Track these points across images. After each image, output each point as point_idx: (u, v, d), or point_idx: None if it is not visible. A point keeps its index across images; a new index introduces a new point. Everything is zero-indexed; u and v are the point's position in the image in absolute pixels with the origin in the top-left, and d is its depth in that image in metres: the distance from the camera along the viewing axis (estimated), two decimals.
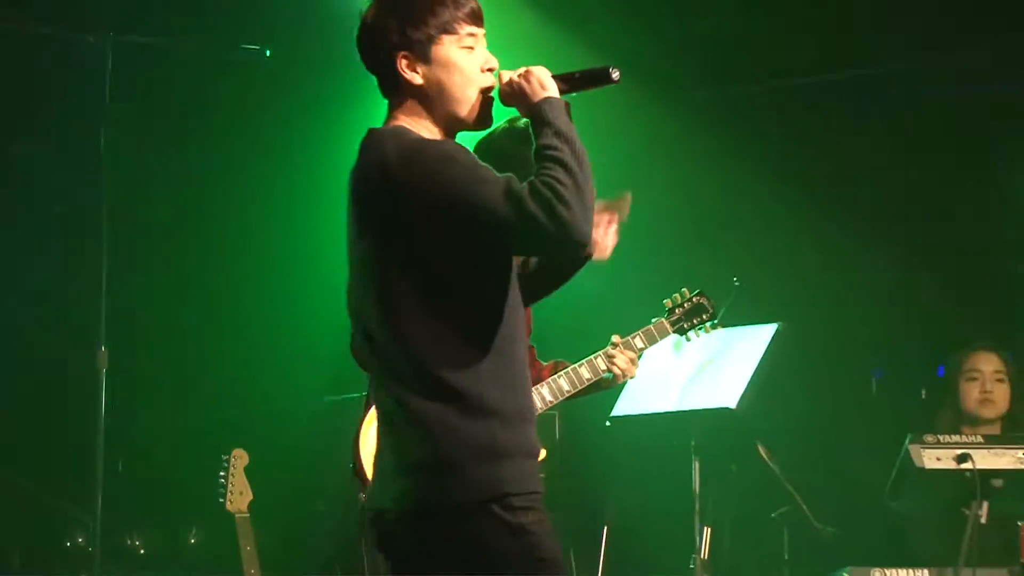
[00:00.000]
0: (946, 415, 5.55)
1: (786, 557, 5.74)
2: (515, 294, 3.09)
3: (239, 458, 5.23)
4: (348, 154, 3.26)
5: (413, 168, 2.89)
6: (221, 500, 5.18)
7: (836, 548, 5.50)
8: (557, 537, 3.11)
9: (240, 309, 6.45)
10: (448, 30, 2.99)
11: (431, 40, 2.98)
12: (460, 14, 3.01)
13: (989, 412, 5.48)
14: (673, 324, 4.52)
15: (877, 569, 5.03)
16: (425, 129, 3.03)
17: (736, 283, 4.99)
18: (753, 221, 6.65)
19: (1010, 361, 5.63)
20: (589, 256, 3.23)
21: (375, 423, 3.38)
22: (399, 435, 3.04)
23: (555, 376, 4.32)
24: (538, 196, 2.84)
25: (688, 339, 4.62)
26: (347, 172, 3.17)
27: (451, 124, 3.05)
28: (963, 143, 6.46)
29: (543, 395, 4.30)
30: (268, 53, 5.73)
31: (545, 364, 4.39)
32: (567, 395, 4.38)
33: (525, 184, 2.87)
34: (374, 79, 3.19)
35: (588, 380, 4.33)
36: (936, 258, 6.47)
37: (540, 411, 4.17)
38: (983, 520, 4.85)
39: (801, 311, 6.01)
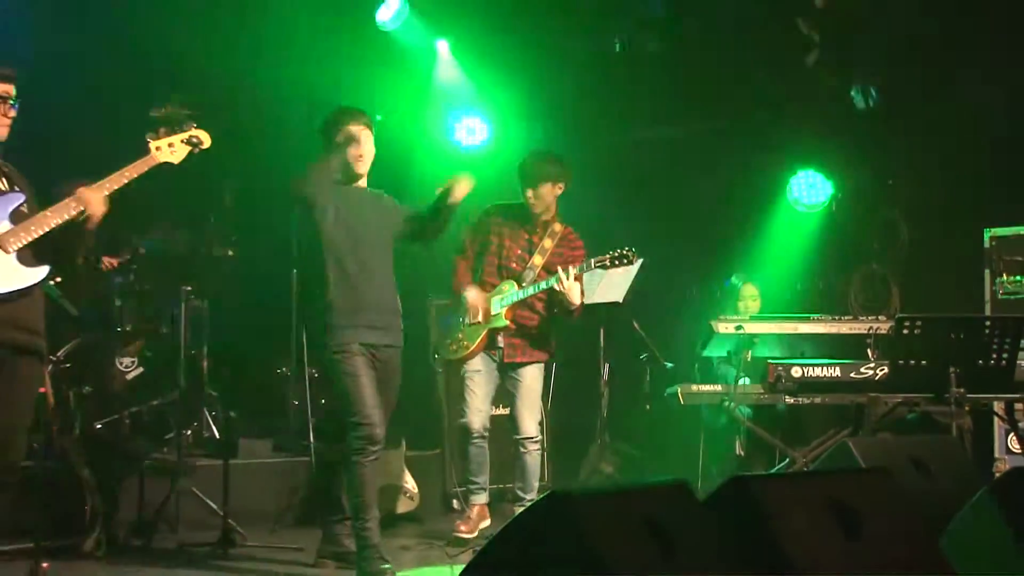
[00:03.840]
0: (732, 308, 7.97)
1: (648, 379, 7.76)
2: (339, 246, 5.33)
3: None
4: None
5: None
6: None
7: (673, 376, 7.51)
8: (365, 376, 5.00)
9: None
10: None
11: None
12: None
13: (748, 315, 7.58)
14: (598, 263, 6.02)
15: (695, 384, 7.09)
16: None
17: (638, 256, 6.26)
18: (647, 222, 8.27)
19: (758, 288, 7.98)
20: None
21: None
22: None
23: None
24: None
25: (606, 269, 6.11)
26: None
27: None
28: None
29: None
30: (379, 118, 6.49)
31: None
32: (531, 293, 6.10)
33: None
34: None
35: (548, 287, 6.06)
36: (722, 228, 8.80)
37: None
38: (749, 360, 6.95)
39: (660, 254, 7.53)
